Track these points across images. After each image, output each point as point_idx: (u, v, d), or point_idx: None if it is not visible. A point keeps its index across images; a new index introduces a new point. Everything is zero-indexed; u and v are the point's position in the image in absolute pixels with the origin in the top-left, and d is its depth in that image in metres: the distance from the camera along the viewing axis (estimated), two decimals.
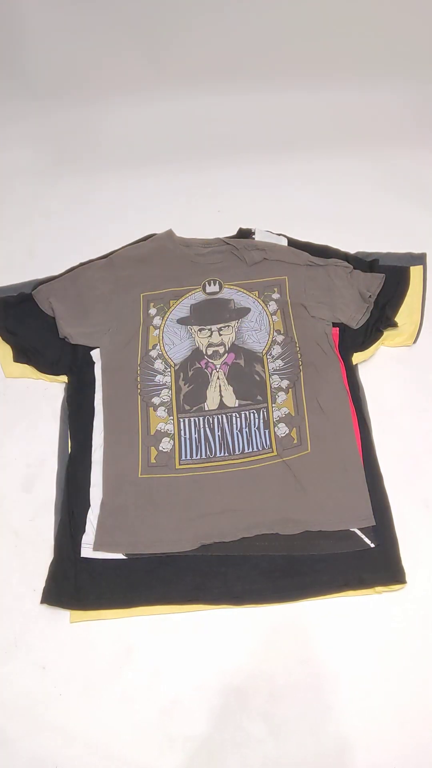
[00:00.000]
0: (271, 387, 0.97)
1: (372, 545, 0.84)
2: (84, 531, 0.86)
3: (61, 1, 1.23)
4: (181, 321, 1.04)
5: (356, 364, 1.01)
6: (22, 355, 1.04)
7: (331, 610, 0.81)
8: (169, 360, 1.00)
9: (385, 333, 1.03)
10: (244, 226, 1.14)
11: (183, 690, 0.77)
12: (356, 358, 1.01)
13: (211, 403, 0.96)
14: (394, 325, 1.03)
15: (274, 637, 0.80)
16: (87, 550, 0.85)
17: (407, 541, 0.85)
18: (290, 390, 0.96)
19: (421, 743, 0.73)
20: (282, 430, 0.93)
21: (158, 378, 0.98)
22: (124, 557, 0.85)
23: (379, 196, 1.28)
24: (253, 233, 1.13)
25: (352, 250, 1.12)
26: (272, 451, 0.91)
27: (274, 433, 0.92)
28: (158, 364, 1.00)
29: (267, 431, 0.93)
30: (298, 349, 1.00)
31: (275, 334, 1.02)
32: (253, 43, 1.31)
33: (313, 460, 0.90)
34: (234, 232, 1.15)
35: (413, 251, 1.11)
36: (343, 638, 0.80)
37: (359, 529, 0.85)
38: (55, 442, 0.97)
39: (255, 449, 0.91)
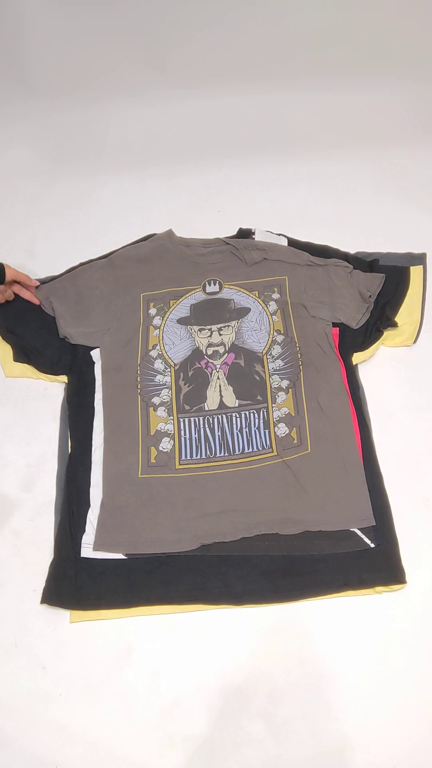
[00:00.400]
0: (271, 387, 0.96)
1: (372, 545, 0.84)
2: (84, 531, 0.86)
3: (62, 2, 1.23)
4: (181, 321, 1.04)
5: (356, 364, 1.01)
6: (22, 354, 1.03)
7: (331, 610, 0.81)
8: (169, 360, 1.00)
9: (385, 333, 1.03)
10: (244, 226, 1.14)
11: (183, 690, 0.77)
12: (356, 358, 1.01)
13: (211, 403, 0.95)
14: (394, 325, 1.03)
15: (274, 637, 0.80)
16: (87, 550, 0.85)
17: (407, 541, 0.85)
18: (290, 390, 0.96)
19: (421, 743, 0.73)
20: (282, 430, 0.93)
21: (158, 378, 0.98)
22: (124, 557, 0.85)
23: (380, 197, 1.28)
24: (253, 233, 1.13)
25: (352, 250, 1.12)
26: (272, 451, 0.91)
27: (274, 433, 0.92)
28: (158, 364, 1.00)
29: (267, 431, 0.93)
30: (298, 349, 1.00)
31: (275, 334, 1.02)
32: (253, 45, 1.31)
33: (313, 460, 0.90)
34: (234, 232, 1.15)
35: (413, 251, 1.11)
36: (343, 638, 0.80)
37: (359, 529, 0.85)
38: (55, 442, 0.97)
39: (255, 449, 0.91)
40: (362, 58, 1.33)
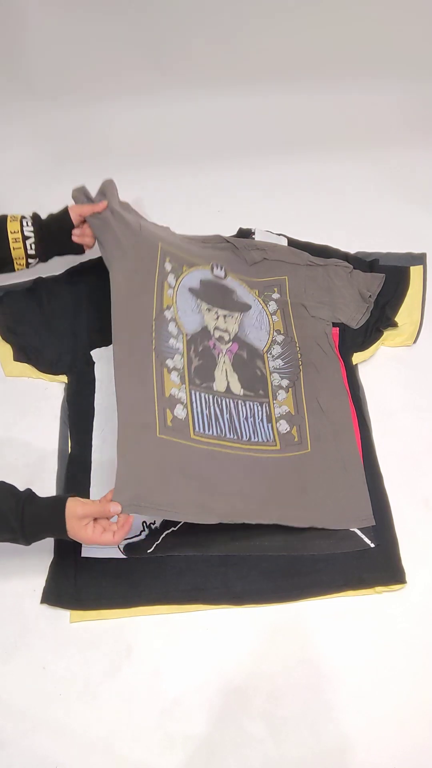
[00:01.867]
0: (271, 384, 0.96)
1: (372, 545, 0.84)
2: None
3: (63, 3, 1.23)
4: (192, 291, 0.99)
5: (356, 364, 1.01)
6: (22, 354, 1.03)
7: (331, 610, 0.81)
8: (182, 328, 0.95)
9: (385, 333, 1.03)
10: (244, 226, 1.14)
11: (183, 690, 0.77)
12: (356, 358, 1.01)
13: (219, 384, 0.93)
14: (394, 325, 1.03)
15: (274, 637, 0.80)
16: (87, 550, 0.85)
17: (407, 541, 0.85)
18: (290, 390, 0.96)
19: (421, 743, 0.73)
20: (283, 426, 0.92)
21: (171, 342, 0.93)
22: (124, 557, 0.85)
23: (380, 197, 1.28)
24: (253, 233, 1.13)
25: (352, 250, 1.12)
26: (276, 445, 0.90)
27: (276, 428, 0.92)
28: (172, 328, 0.94)
29: (270, 425, 0.92)
30: (298, 349, 0.99)
31: (275, 333, 1.01)
32: (254, 46, 1.31)
33: (313, 460, 0.89)
34: (234, 232, 1.15)
35: (413, 251, 1.12)
36: (343, 638, 0.80)
37: (359, 529, 0.85)
38: (55, 442, 0.97)
39: (261, 440, 0.90)
40: (363, 59, 1.33)
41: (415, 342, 1.04)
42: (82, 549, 0.85)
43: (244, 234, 1.13)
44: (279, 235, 1.13)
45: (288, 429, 0.92)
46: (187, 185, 1.32)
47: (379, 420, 0.96)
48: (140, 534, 0.86)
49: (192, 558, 0.84)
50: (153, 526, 0.87)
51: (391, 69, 1.35)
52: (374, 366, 1.02)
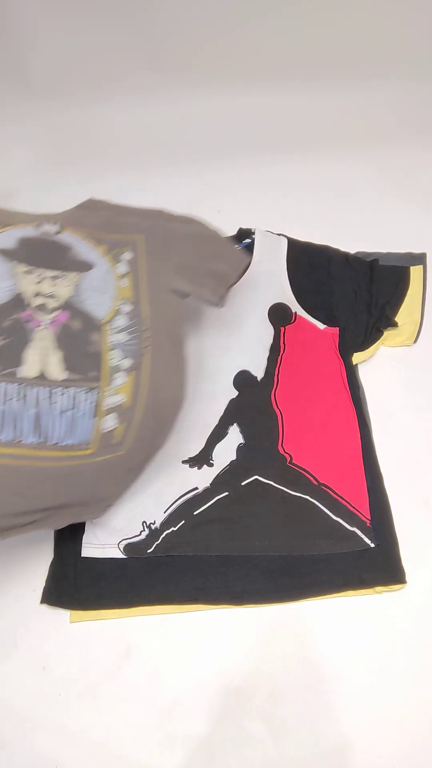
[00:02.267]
0: (109, 365, 0.76)
1: (372, 545, 0.84)
2: (84, 530, 0.86)
3: (61, 2, 1.23)
4: (5, 253, 0.79)
5: (356, 364, 1.01)
6: None
7: (331, 610, 0.81)
8: None
9: (385, 333, 1.03)
10: (243, 227, 1.14)
11: (183, 690, 0.77)
12: (356, 358, 1.01)
13: (30, 369, 0.73)
14: (394, 325, 1.03)
15: (274, 637, 0.80)
16: (87, 550, 0.85)
17: (407, 541, 0.85)
18: (132, 373, 0.76)
19: (421, 743, 0.73)
20: (109, 422, 0.74)
21: None
22: (124, 557, 0.85)
23: (380, 197, 1.28)
24: (253, 233, 1.13)
25: (352, 251, 1.12)
26: (88, 448, 0.73)
27: (100, 425, 0.74)
28: None
29: (93, 421, 0.73)
30: (148, 326, 0.79)
31: (121, 302, 0.80)
32: (254, 46, 1.31)
33: (119, 463, 0.75)
34: (234, 232, 1.15)
35: (413, 251, 1.12)
36: (343, 638, 0.80)
37: (359, 528, 0.85)
38: None
39: (74, 442, 0.72)
40: (363, 59, 1.33)
41: (415, 342, 1.04)
42: (82, 549, 0.85)
43: (244, 234, 1.13)
44: (279, 235, 1.13)
45: (113, 426, 0.74)
46: (187, 185, 1.32)
47: (379, 420, 0.96)
48: (140, 534, 0.86)
49: (192, 558, 0.84)
50: (153, 526, 0.86)
51: (391, 69, 1.35)
52: (374, 366, 1.02)
